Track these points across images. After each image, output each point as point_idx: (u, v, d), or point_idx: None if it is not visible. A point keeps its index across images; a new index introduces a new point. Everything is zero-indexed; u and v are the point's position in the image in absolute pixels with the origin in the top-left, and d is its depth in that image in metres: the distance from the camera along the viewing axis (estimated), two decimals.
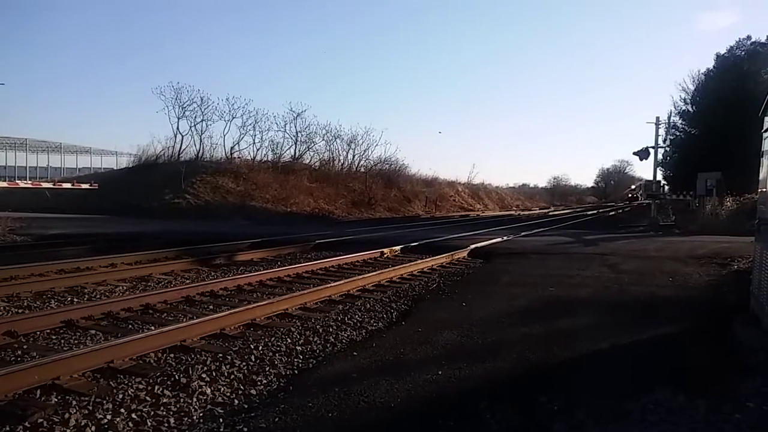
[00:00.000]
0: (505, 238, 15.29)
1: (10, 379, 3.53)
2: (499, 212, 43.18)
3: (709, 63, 36.00)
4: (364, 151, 40.09)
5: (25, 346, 4.69)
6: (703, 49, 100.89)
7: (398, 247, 12.09)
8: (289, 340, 4.99)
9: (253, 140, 36.31)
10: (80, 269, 8.64)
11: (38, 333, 5.09)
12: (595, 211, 42.93)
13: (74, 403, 3.44)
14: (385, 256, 11.28)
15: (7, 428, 3.08)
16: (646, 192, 26.05)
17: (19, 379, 3.57)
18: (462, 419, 3.28)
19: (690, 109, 35.96)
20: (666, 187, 30.44)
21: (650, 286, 7.82)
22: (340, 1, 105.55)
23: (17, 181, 21.63)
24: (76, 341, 4.93)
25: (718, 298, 7.25)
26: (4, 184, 20.17)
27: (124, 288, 7.57)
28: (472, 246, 12.41)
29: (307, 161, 37.77)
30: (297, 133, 37.00)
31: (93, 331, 5.24)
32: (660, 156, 26.32)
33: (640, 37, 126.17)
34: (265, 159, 35.50)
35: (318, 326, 5.52)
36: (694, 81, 36.52)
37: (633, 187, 71.41)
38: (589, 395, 3.63)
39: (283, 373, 4.16)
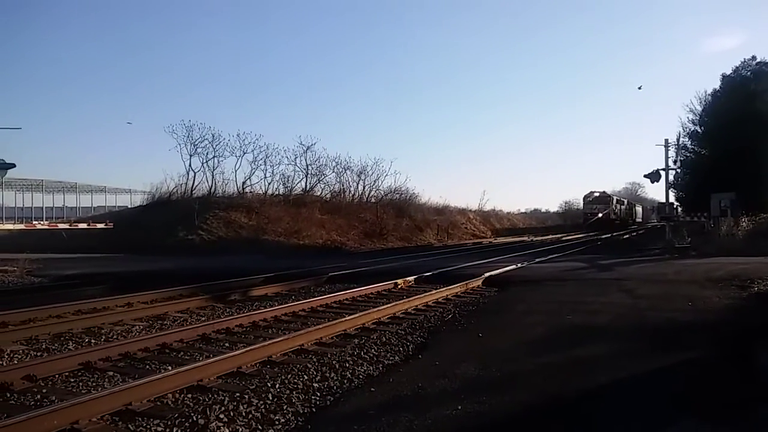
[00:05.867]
0: (519, 265, 15.20)
1: (29, 426, 3.53)
2: (512, 238, 42.93)
3: (716, 84, 36.17)
4: (375, 181, 40.24)
5: (44, 390, 4.71)
6: (710, 71, 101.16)
7: (412, 278, 12.04)
8: (305, 377, 4.97)
9: (265, 174, 36.55)
10: (97, 309, 8.68)
11: (57, 376, 5.11)
12: (608, 235, 42.59)
13: None
14: (399, 287, 11.23)
15: None
16: (659, 214, 25.84)
17: (38, 425, 3.58)
18: None
19: (699, 130, 36.04)
20: (679, 209, 30.23)
21: (669, 311, 7.71)
22: (346, 35, 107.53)
23: (34, 223, 21.96)
24: (94, 383, 4.94)
25: (738, 322, 7.14)
26: (22, 226, 20.48)
27: (141, 327, 7.60)
28: (487, 274, 12.34)
29: (318, 193, 37.98)
30: (307, 165, 37.31)
31: (111, 373, 5.25)
32: (671, 177, 26.24)
33: (648, 62, 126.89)
34: (277, 193, 35.75)
35: (334, 362, 5.49)
36: (701, 102, 36.71)
37: (590, 196, 49.57)
38: (610, 428, 3.56)
39: (301, 412, 4.14)
